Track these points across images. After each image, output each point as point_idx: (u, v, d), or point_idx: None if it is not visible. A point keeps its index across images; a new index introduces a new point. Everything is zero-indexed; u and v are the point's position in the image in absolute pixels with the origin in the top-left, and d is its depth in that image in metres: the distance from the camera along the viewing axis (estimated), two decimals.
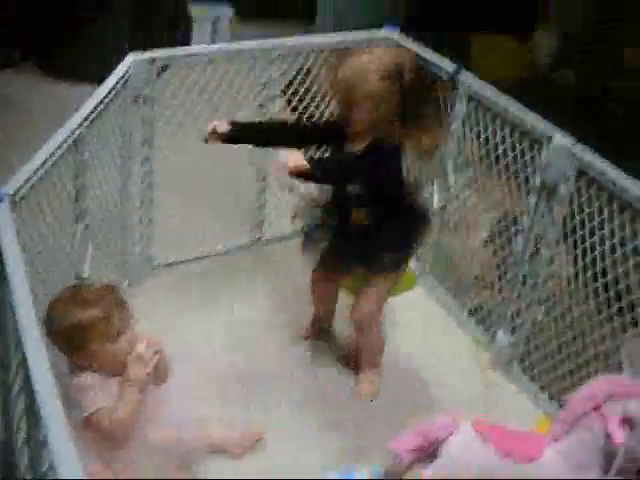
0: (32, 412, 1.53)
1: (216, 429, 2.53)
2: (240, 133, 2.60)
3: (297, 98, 3.39)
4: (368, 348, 2.82)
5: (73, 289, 2.30)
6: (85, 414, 2.17)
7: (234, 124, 2.58)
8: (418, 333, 3.10)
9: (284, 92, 3.37)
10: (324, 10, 5.59)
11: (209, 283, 3.23)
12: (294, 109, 3.45)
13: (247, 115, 3.48)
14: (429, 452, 2.34)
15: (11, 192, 1.97)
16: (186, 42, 5.08)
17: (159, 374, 2.31)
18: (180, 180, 3.30)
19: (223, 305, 3.12)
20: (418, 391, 2.84)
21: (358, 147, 2.51)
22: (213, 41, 5.22)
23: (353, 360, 2.89)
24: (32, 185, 2.09)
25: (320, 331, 3.01)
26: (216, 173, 3.41)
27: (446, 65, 3.00)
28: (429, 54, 3.06)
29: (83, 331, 2.16)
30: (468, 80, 2.93)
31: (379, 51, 2.52)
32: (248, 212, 3.46)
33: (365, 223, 2.59)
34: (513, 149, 2.80)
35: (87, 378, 2.20)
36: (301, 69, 3.34)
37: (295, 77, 3.39)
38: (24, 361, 1.53)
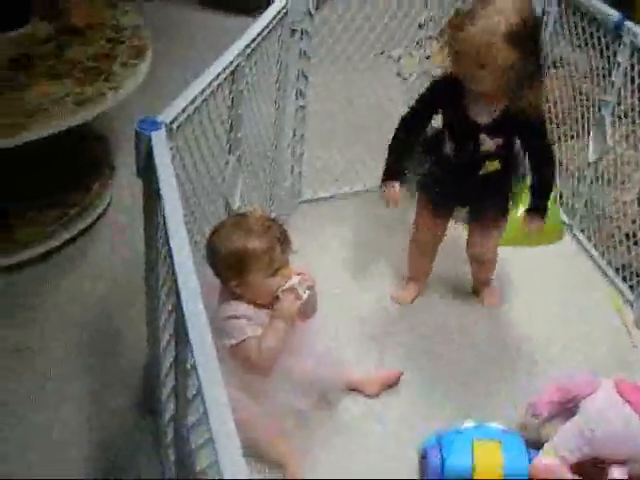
0: (181, 338, 1.56)
1: (353, 368, 2.55)
2: (400, 170, 2.67)
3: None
4: (487, 276, 2.92)
5: (239, 217, 2.33)
6: (234, 341, 2.21)
7: (392, 173, 2.64)
8: (561, 285, 3.04)
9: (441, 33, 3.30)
10: None
11: (356, 220, 3.23)
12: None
13: (402, 53, 3.45)
14: (568, 408, 2.31)
15: (168, 121, 1.99)
16: None
17: (307, 309, 2.34)
18: (332, 116, 3.29)
19: (369, 243, 3.12)
20: (559, 345, 2.78)
21: (491, 112, 2.50)
22: None
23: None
24: (188, 114, 2.11)
25: (418, 292, 2.96)
26: (368, 111, 3.39)
27: (611, 14, 2.89)
28: (593, 2, 2.95)
29: (246, 259, 2.18)
30: (633, 29, 2.81)
31: (506, 5, 2.35)
32: None
33: (497, 169, 2.61)
34: None
35: (239, 307, 2.23)
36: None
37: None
38: (175, 288, 1.56)
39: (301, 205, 3.30)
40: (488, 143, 2.53)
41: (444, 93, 2.55)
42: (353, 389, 2.53)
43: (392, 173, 2.63)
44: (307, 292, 2.24)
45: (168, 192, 1.75)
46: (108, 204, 3.21)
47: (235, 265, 2.20)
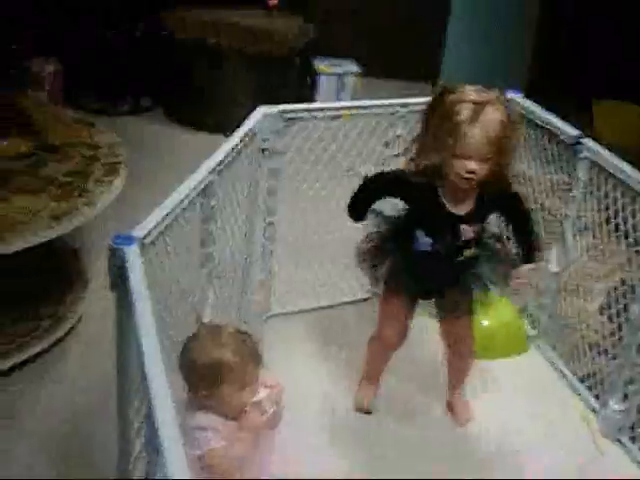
0: (152, 450, 1.58)
1: None
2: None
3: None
4: (464, 370, 2.92)
5: (214, 329, 2.34)
6: (199, 452, 2.22)
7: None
8: (528, 396, 3.08)
9: (406, 151, 3.41)
10: (447, 74, 5.67)
11: (325, 334, 3.29)
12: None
13: (368, 170, 3.54)
14: None
15: (141, 236, 2.05)
16: (311, 98, 5.21)
17: (274, 420, 2.35)
18: (299, 232, 3.37)
19: (338, 357, 3.18)
20: (523, 454, 2.81)
21: (467, 201, 2.51)
22: (338, 98, 5.34)
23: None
24: (160, 230, 2.17)
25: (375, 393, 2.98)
26: (334, 226, 3.47)
27: (568, 130, 3.02)
28: (552, 118, 3.09)
29: (221, 372, 2.19)
30: (591, 146, 2.94)
31: (491, 101, 2.35)
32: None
33: (475, 254, 2.61)
34: (634, 216, 2.80)
35: (205, 418, 2.24)
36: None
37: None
38: (148, 401, 1.59)
39: (270, 319, 3.35)
40: (468, 233, 2.53)
41: (416, 191, 2.51)
42: None
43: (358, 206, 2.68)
44: (274, 407, 2.27)
45: (141, 305, 1.80)
46: (80, 316, 3.25)
47: (208, 377, 2.21)
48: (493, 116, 2.32)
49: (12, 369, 2.96)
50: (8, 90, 3.62)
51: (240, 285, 3.08)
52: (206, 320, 2.63)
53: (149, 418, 1.59)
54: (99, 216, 3.01)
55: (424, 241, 2.55)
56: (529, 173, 3.35)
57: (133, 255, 1.97)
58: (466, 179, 2.38)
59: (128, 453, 2.09)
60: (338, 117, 3.15)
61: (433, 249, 2.55)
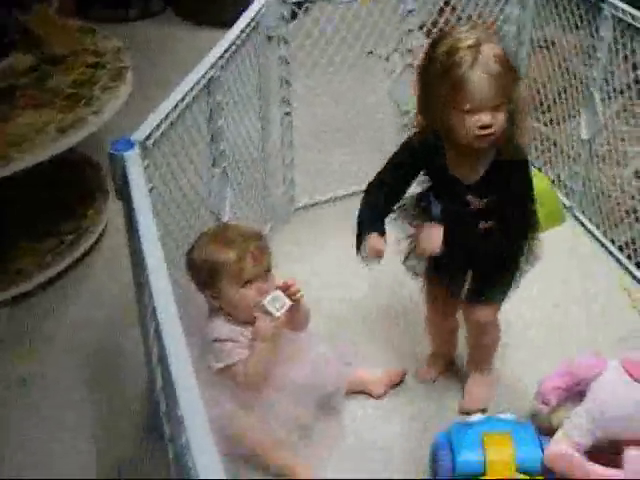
0: (162, 361, 1.54)
1: (357, 368, 2.51)
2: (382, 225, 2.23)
3: (436, 30, 3.29)
4: (485, 347, 2.53)
5: (216, 229, 2.35)
6: (221, 365, 2.21)
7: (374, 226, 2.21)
8: (567, 268, 3.00)
9: (422, 26, 3.29)
10: None
11: (351, 223, 3.19)
12: None
13: (386, 52, 3.43)
14: (576, 392, 2.27)
15: (142, 139, 1.98)
16: None
17: (298, 321, 2.32)
18: (318, 120, 3.28)
19: None
20: (564, 328, 2.75)
21: (477, 169, 2.17)
22: None
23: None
24: (163, 131, 2.09)
25: (444, 368, 2.64)
26: (355, 112, 3.36)
27: None
28: None
29: (215, 269, 2.19)
30: (613, 1, 2.78)
31: (486, 39, 2.02)
32: (389, 147, 3.39)
33: (494, 227, 2.21)
34: None
35: (223, 328, 2.22)
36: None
37: (434, 10, 3.31)
38: (153, 310, 1.54)
39: (296, 212, 3.28)
40: (477, 203, 2.19)
41: (422, 153, 2.18)
42: (359, 391, 2.50)
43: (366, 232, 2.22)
44: (284, 307, 2.20)
45: (143, 212, 1.73)
46: (103, 229, 3.20)
47: (206, 275, 2.21)
48: (492, 52, 1.98)
49: (37, 288, 2.93)
50: (12, 7, 3.51)
51: (260, 180, 3.00)
52: (225, 220, 2.57)
53: (156, 331, 1.53)
54: (114, 124, 2.93)
55: (435, 205, 2.26)
56: (552, 37, 3.22)
57: (133, 160, 1.89)
58: (482, 136, 2.03)
59: (151, 365, 2.05)
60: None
61: (444, 217, 2.22)
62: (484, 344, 2.50)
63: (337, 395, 2.43)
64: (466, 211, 2.20)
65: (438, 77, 2.01)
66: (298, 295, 2.25)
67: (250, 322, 2.22)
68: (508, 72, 2.01)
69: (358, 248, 2.20)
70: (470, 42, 1.98)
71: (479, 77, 1.97)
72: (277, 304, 2.20)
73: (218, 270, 2.19)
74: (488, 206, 2.18)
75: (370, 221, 2.21)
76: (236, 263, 2.18)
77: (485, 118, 2.00)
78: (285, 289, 2.23)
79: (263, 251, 2.24)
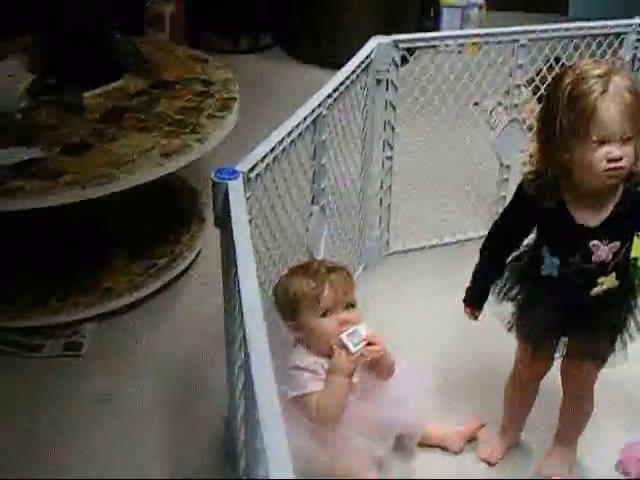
0: (248, 392, 1.53)
1: (434, 422, 2.46)
2: (484, 294, 2.25)
3: (544, 87, 3.27)
4: (578, 425, 2.39)
5: (307, 262, 2.36)
6: (294, 394, 2.18)
7: (474, 298, 2.28)
8: None
9: (530, 82, 3.27)
10: (575, 8, 5.41)
11: (443, 272, 3.18)
12: (540, 99, 3.35)
13: (490, 104, 3.42)
14: None
15: (246, 169, 1.99)
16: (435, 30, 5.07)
17: (381, 370, 2.28)
18: (419, 166, 3.27)
19: (458, 296, 3.06)
20: None
21: (602, 209, 2.02)
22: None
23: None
24: (267, 164, 2.11)
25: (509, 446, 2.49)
26: (456, 162, 3.35)
27: None
28: None
29: (294, 299, 2.20)
30: None
31: (615, 69, 1.94)
32: (487, 202, 3.38)
33: (615, 286, 2.10)
34: None
35: (305, 358, 2.21)
36: (549, 58, 3.23)
37: (543, 66, 3.29)
38: (245, 343, 1.53)
39: (389, 257, 3.27)
40: (602, 250, 2.03)
41: (536, 197, 2.03)
42: (435, 445, 2.45)
43: (474, 298, 2.27)
44: (360, 345, 2.16)
45: (241, 241, 1.74)
46: (197, 255, 3.23)
47: (287, 305, 2.23)
48: (623, 83, 1.89)
49: (126, 307, 2.97)
50: (128, 33, 3.60)
51: (358, 222, 3.00)
52: (319, 258, 2.57)
53: (245, 362, 1.53)
54: (216, 153, 2.97)
55: (550, 262, 2.09)
56: None
57: (236, 189, 1.91)
58: (612, 170, 1.90)
59: (234, 394, 2.05)
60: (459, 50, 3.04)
61: (561, 274, 2.08)
62: (577, 413, 2.38)
63: (410, 435, 2.39)
64: (587, 263, 2.04)
65: (564, 108, 1.90)
66: (378, 354, 2.21)
67: (330, 355, 2.19)
68: (638, 103, 1.90)
69: (466, 299, 2.27)
70: (600, 71, 1.90)
71: (610, 106, 1.87)
72: (355, 339, 2.15)
73: (298, 299, 2.19)
74: (616, 254, 2.04)
75: (478, 280, 2.24)
76: (314, 291, 2.18)
77: (616, 151, 1.89)
78: (369, 342, 2.18)
79: (344, 281, 2.23)
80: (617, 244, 2.03)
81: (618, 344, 2.19)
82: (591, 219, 2.01)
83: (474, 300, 2.27)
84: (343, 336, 2.15)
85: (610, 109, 1.87)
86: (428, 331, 2.86)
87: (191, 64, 3.41)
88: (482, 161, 3.33)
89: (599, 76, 1.89)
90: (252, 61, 4.97)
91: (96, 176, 2.62)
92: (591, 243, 2.02)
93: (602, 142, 1.88)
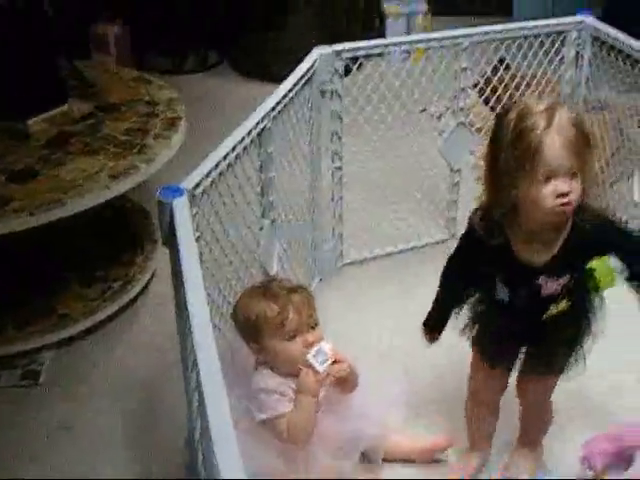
0: (202, 411, 1.52)
1: (401, 437, 2.46)
2: (443, 321, 2.25)
3: (489, 89, 3.30)
4: (537, 427, 2.42)
5: (264, 283, 2.33)
6: (264, 417, 2.18)
7: (433, 325, 2.27)
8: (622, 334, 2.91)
9: (475, 85, 3.30)
10: (519, 9, 5.46)
11: (399, 279, 3.18)
12: (486, 101, 3.38)
13: (437, 110, 3.44)
14: (622, 458, 2.22)
15: (190, 187, 1.98)
16: None
17: (346, 385, 2.28)
18: (369, 175, 3.28)
19: (415, 303, 3.06)
20: (615, 392, 2.67)
21: (549, 247, 2.00)
22: None
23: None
24: (213, 180, 2.10)
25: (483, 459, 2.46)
26: (406, 169, 3.36)
27: None
28: (627, 39, 2.92)
29: (258, 323, 2.18)
30: None
31: (559, 104, 1.93)
32: (440, 208, 3.39)
33: (567, 308, 2.11)
34: None
35: (269, 380, 2.20)
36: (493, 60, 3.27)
37: (487, 69, 3.32)
38: (195, 361, 1.52)
39: (344, 267, 3.27)
40: (550, 285, 2.03)
41: (484, 234, 2.02)
42: (403, 460, 2.45)
43: (434, 325, 2.26)
44: (327, 362, 2.16)
45: (188, 259, 1.73)
46: (152, 276, 3.22)
47: (250, 329, 2.21)
48: (566, 116, 1.87)
49: (83, 333, 2.94)
50: (74, 57, 3.58)
51: (308, 234, 3.00)
52: (273, 272, 2.56)
53: (198, 385, 1.52)
54: (164, 173, 2.96)
55: (502, 289, 2.09)
56: (606, 98, 3.19)
57: (180, 207, 1.90)
58: (560, 206, 1.88)
59: (192, 414, 2.04)
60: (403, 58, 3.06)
61: (512, 301, 2.09)
62: (537, 423, 2.40)
63: (375, 448, 2.39)
64: (538, 297, 2.05)
65: (509, 144, 1.88)
66: (345, 372, 2.21)
67: (295, 375, 2.19)
68: (583, 137, 1.89)
69: (425, 324, 2.26)
70: (543, 107, 1.88)
71: (555, 140, 1.84)
72: (320, 358, 2.16)
73: (261, 324, 2.17)
74: (564, 287, 2.04)
75: (438, 308, 2.25)
76: (278, 316, 2.17)
77: (563, 186, 1.86)
78: (335, 360, 2.19)
79: (307, 303, 2.22)
80: (567, 277, 2.03)
81: (575, 357, 2.19)
82: (537, 258, 2.00)
83: (434, 326, 2.26)
84: (310, 358, 2.16)
85: (555, 144, 1.85)
86: (386, 339, 2.87)
87: (135, 86, 3.39)
88: (432, 167, 3.35)
89: (543, 111, 1.87)
90: (199, 79, 4.96)
91: (44, 202, 2.60)
92: (538, 280, 2.02)
93: (549, 177, 1.86)
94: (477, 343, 2.26)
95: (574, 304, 2.10)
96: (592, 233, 1.98)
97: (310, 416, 2.17)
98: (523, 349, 2.22)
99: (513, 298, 2.08)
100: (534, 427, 2.42)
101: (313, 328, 2.21)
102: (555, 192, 1.86)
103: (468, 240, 2.12)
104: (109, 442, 2.55)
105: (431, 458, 2.46)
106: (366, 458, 2.38)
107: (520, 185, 1.89)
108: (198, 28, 5.09)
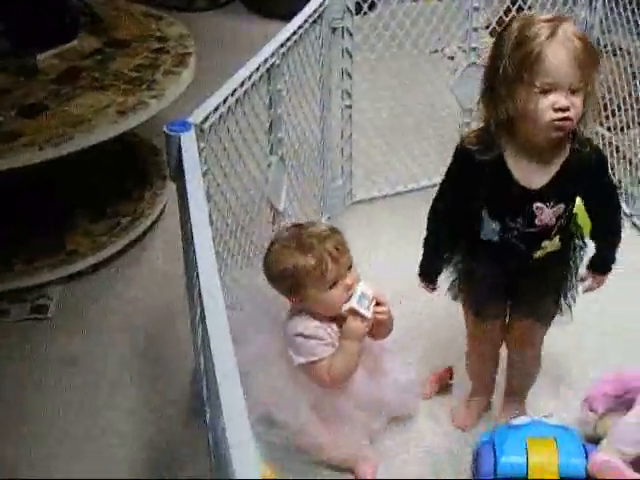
0: (205, 345, 1.53)
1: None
2: (437, 268, 2.18)
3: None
4: (527, 381, 2.40)
5: (295, 230, 2.25)
6: (302, 361, 2.18)
7: (427, 273, 2.19)
8: (625, 277, 2.90)
9: (487, 26, 3.27)
10: None
11: (408, 219, 3.17)
12: None
13: (450, 50, 3.41)
14: (624, 401, 2.23)
15: (198, 121, 1.98)
16: None
17: (381, 330, 2.27)
18: (379, 114, 3.26)
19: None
20: (618, 335, 2.67)
21: (545, 170, 1.92)
22: None
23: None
24: (221, 115, 2.09)
25: (480, 414, 2.47)
26: (416, 109, 3.34)
27: None
28: None
29: (296, 277, 2.13)
30: None
31: (566, 18, 1.83)
32: (450, 146, 3.37)
33: (556, 250, 2.04)
34: None
35: (308, 324, 2.18)
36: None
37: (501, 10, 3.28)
38: (200, 295, 1.52)
39: (353, 206, 3.27)
40: (546, 214, 1.95)
41: (476, 157, 1.92)
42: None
43: (427, 272, 2.19)
44: (372, 305, 2.16)
45: (194, 192, 1.73)
46: (160, 212, 3.22)
47: (288, 284, 2.17)
48: (572, 29, 1.78)
49: (91, 268, 2.96)
50: None
51: (318, 172, 2.99)
52: (280, 208, 2.56)
53: (201, 316, 1.52)
54: (175, 110, 2.94)
55: (490, 227, 1.99)
56: (619, 42, 3.17)
57: (189, 141, 1.89)
58: (559, 121, 1.79)
59: (196, 348, 2.05)
60: None
61: (502, 239, 1.99)
62: (524, 372, 2.37)
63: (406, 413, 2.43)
64: (530, 226, 1.96)
65: (509, 52, 1.78)
66: (387, 314, 2.21)
67: (336, 319, 2.19)
68: (588, 52, 1.78)
69: (421, 273, 2.19)
70: (549, 17, 1.80)
71: (557, 51, 1.75)
72: (364, 303, 2.15)
73: (300, 277, 2.13)
74: (559, 217, 1.96)
75: (429, 254, 2.15)
76: (317, 269, 2.12)
77: (562, 100, 1.77)
78: (377, 302, 2.18)
79: (342, 249, 2.17)
80: (561, 207, 1.95)
81: (563, 304, 2.15)
82: (534, 180, 1.92)
83: (428, 275, 2.20)
84: (354, 304, 2.14)
85: (557, 55, 1.75)
86: (391, 281, 2.86)
87: (146, 22, 3.38)
88: (443, 107, 3.33)
89: (547, 20, 1.78)
90: (209, 17, 4.92)
91: (53, 136, 2.61)
92: (534, 206, 1.93)
93: (548, 90, 1.77)
94: (465, 300, 2.20)
95: (565, 245, 2.04)
96: (591, 160, 1.92)
97: (355, 360, 2.18)
98: (512, 295, 2.16)
99: (504, 232, 1.98)
100: (519, 378, 2.39)
101: (349, 269, 2.19)
102: (553, 106, 1.78)
103: (458, 159, 2.00)
104: (115, 375, 2.58)
105: (436, 389, 2.50)
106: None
107: (517, 96, 1.80)
108: None
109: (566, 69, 1.76)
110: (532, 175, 1.91)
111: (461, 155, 1.98)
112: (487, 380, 2.43)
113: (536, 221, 1.95)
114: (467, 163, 1.95)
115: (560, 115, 1.78)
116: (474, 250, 2.08)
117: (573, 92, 1.78)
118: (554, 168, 1.91)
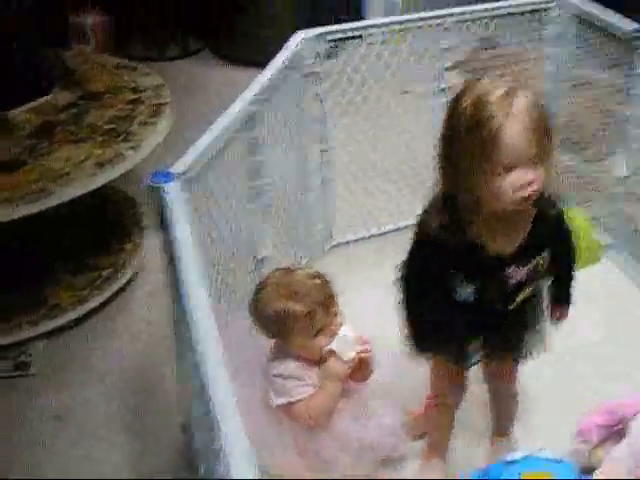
0: (203, 400, 1.52)
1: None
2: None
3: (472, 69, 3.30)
4: (513, 412, 2.40)
5: (285, 274, 2.28)
6: (281, 402, 2.20)
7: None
8: (603, 308, 2.94)
9: (459, 63, 3.30)
10: None
11: (388, 260, 3.18)
12: None
13: (422, 91, 3.43)
14: (616, 430, 2.24)
15: (180, 171, 1.99)
16: None
17: (363, 371, 2.30)
18: (355, 158, 3.28)
19: None
20: (604, 373, 2.67)
21: (516, 235, 1.93)
22: None
23: None
24: (202, 164, 2.11)
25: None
26: (391, 148, 3.36)
27: (624, 25, 2.86)
28: (607, 14, 2.94)
29: (285, 322, 2.17)
30: None
31: (517, 86, 1.80)
32: (427, 186, 3.38)
33: (530, 298, 2.06)
34: None
35: (288, 365, 2.22)
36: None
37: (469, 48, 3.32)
38: (194, 343, 1.53)
39: (333, 248, 3.27)
40: (520, 274, 1.95)
41: (442, 232, 1.89)
42: None
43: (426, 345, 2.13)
44: (353, 351, 2.19)
45: (182, 239, 1.73)
46: (140, 265, 3.21)
47: (276, 327, 2.20)
48: (525, 102, 1.75)
49: (74, 322, 2.94)
50: (54, 47, 3.57)
51: (298, 216, 3.00)
52: (260, 256, 2.57)
53: (195, 366, 1.52)
54: (152, 161, 2.95)
55: (465, 291, 1.96)
56: (589, 76, 3.20)
57: (173, 192, 1.90)
58: (524, 197, 1.79)
59: (188, 398, 2.05)
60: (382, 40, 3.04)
61: (478, 299, 1.98)
62: (510, 403, 2.38)
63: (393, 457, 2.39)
64: (507, 288, 1.97)
65: (466, 133, 1.75)
66: (368, 355, 2.24)
67: (316, 363, 2.22)
68: (545, 121, 1.78)
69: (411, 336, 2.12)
70: (499, 92, 1.75)
71: (515, 129, 1.72)
72: (347, 347, 2.19)
73: (288, 323, 2.17)
74: (530, 273, 1.97)
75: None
76: (307, 317, 2.16)
77: (526, 175, 1.76)
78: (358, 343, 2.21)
79: (332, 299, 2.22)
80: (534, 262, 1.96)
81: (537, 336, 2.15)
82: (506, 247, 1.91)
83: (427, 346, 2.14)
84: (336, 347, 2.18)
85: (516, 133, 1.73)
86: (372, 321, 2.86)
87: (119, 73, 3.39)
88: (419, 147, 3.34)
89: (500, 97, 1.74)
90: (181, 66, 4.93)
91: (31, 192, 2.60)
92: (508, 270, 1.94)
93: (510, 168, 1.75)
94: (438, 351, 2.14)
95: (535, 288, 2.05)
96: (554, 215, 1.96)
97: (335, 399, 2.21)
98: (484, 341, 2.13)
99: (481, 294, 1.96)
100: (504, 414, 2.40)
101: (335, 315, 2.22)
102: (517, 183, 1.76)
103: (421, 247, 1.98)
104: (102, 430, 2.56)
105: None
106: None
107: (480, 175, 1.76)
108: (179, 15, 5.05)
109: (526, 145, 1.74)
110: (503, 242, 1.91)
111: (424, 244, 1.96)
112: (446, 437, 2.35)
113: (510, 282, 1.96)
114: (433, 249, 1.93)
115: (524, 193, 1.78)
116: (447, 309, 2.02)
117: (535, 163, 1.77)
118: (522, 232, 1.92)
